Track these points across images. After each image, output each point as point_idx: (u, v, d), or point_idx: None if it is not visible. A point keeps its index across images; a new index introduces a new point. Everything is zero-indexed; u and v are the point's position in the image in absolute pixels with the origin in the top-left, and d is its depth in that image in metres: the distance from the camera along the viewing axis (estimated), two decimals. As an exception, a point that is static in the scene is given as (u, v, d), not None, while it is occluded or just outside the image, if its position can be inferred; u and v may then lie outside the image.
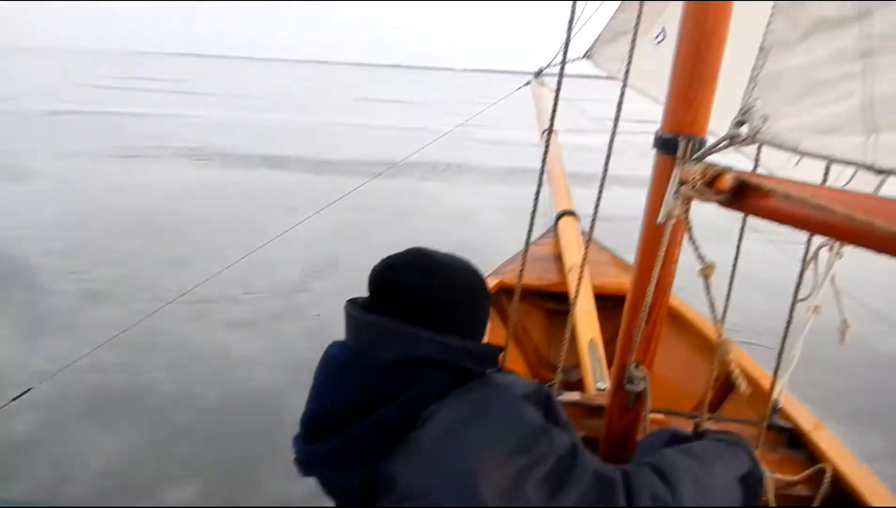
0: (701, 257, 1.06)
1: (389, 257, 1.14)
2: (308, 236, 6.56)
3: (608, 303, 2.50)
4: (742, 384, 1.01)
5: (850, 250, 1.56)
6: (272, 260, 5.85)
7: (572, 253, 2.79)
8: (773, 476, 1.41)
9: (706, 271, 1.05)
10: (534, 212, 1.60)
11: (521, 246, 1.84)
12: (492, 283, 2.78)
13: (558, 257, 3.06)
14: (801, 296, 1.58)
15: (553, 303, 2.99)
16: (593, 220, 1.78)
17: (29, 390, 2.20)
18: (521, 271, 1.63)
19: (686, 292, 2.08)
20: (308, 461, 1.08)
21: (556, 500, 0.98)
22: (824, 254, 1.55)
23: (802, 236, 1.33)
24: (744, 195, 0.99)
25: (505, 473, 0.97)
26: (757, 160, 1.31)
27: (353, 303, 1.13)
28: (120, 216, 8.24)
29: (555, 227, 3.26)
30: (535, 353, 2.94)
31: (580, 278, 1.80)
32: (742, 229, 1.59)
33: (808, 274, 1.60)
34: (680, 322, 2.65)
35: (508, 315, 2.96)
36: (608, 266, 3.02)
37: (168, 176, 11.39)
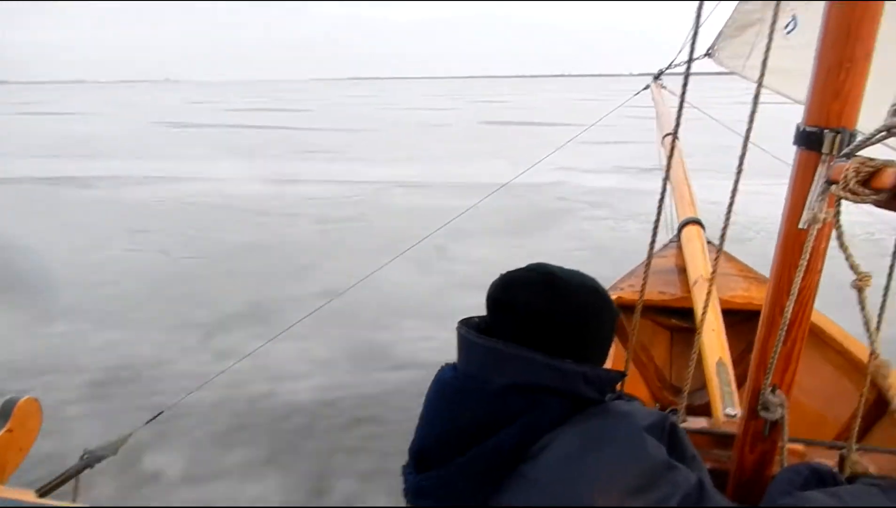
0: (854, 267, 0.90)
1: (509, 273, 1.08)
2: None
3: (737, 318, 2.28)
4: None
5: None
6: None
7: (697, 265, 2.58)
8: None
9: (861, 282, 0.89)
10: (657, 221, 1.45)
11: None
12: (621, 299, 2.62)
13: (682, 270, 2.84)
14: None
15: (677, 319, 2.79)
16: (724, 229, 1.61)
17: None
18: (644, 285, 1.49)
19: (824, 303, 1.84)
20: (418, 491, 1.02)
21: None
22: None
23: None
24: None
25: None
26: None
27: (466, 324, 1.07)
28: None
29: (678, 236, 3.05)
30: (658, 374, 2.74)
31: (708, 293, 1.63)
32: None
33: None
34: (820, 338, 2.37)
35: (629, 335, 2.80)
36: (736, 278, 2.77)
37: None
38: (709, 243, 2.97)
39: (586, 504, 0.88)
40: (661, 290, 2.80)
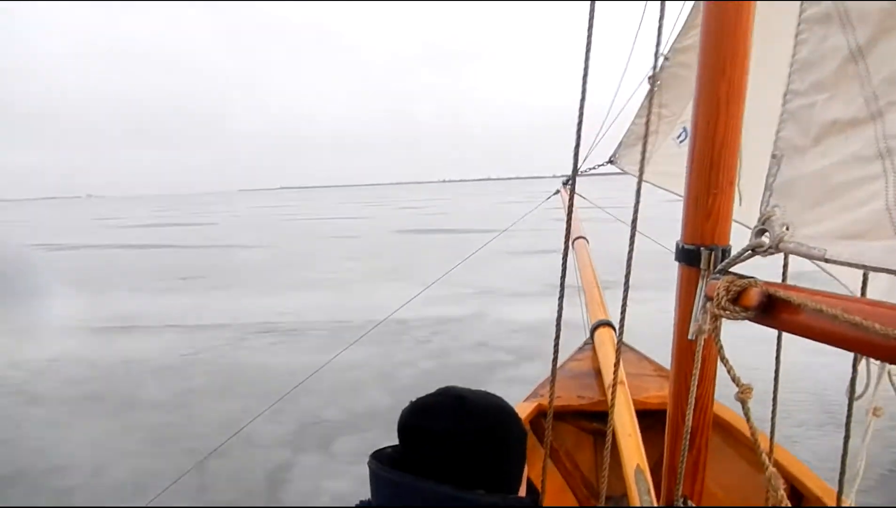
0: (736, 380, 0.98)
1: (419, 400, 1.10)
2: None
3: (654, 419, 2.35)
4: None
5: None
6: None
7: (610, 367, 2.66)
8: None
9: (743, 395, 0.97)
10: (558, 326, 1.52)
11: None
12: (529, 408, 2.65)
13: (598, 372, 2.92)
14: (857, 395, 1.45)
15: (598, 423, 2.83)
16: (621, 330, 1.70)
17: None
18: (552, 393, 1.53)
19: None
20: None
21: None
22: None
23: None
24: (774, 310, 0.93)
25: None
26: (785, 269, 1.25)
27: (377, 456, 1.07)
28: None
29: (591, 339, 3.15)
30: (584, 481, 2.75)
31: (614, 395, 1.69)
32: (779, 344, 1.50)
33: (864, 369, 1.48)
34: (733, 435, 2.47)
35: (544, 440, 2.81)
36: (651, 378, 2.86)
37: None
38: (623, 344, 3.08)
39: None
40: (579, 394, 2.85)
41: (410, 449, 1.05)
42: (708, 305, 1.04)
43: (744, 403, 0.97)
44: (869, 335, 0.72)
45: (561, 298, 1.51)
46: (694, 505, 1.24)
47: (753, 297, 0.93)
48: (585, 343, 3.32)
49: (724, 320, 1.23)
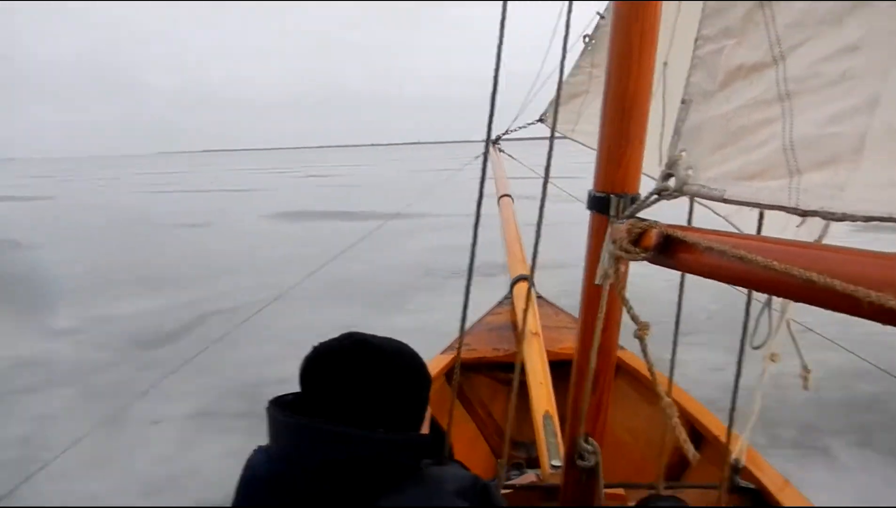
0: (635, 318, 0.99)
1: (321, 345, 1.07)
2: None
3: (567, 369, 2.40)
4: (689, 452, 0.92)
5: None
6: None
7: (527, 320, 2.70)
8: None
9: (641, 332, 0.98)
10: (469, 279, 1.50)
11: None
12: (445, 360, 2.66)
13: (515, 326, 2.95)
14: (756, 344, 1.52)
15: (513, 375, 2.84)
16: (530, 279, 1.69)
17: None
18: (459, 346, 1.53)
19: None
20: None
21: None
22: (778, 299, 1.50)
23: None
24: (671, 250, 0.94)
25: None
26: (690, 212, 1.27)
27: (276, 403, 1.05)
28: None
29: (511, 293, 3.16)
30: (497, 430, 2.81)
31: (519, 346, 1.72)
32: (681, 286, 1.53)
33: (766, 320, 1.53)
34: (641, 382, 2.55)
35: (464, 392, 2.85)
36: (566, 330, 2.91)
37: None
38: (539, 297, 3.13)
39: None
40: (495, 346, 2.90)
41: (311, 394, 1.03)
42: (610, 247, 1.04)
43: (641, 340, 0.98)
44: (754, 268, 0.73)
45: (474, 244, 1.49)
46: (594, 442, 1.27)
47: (652, 237, 0.94)
48: (505, 298, 3.36)
49: (633, 267, 1.25)
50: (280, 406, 1.03)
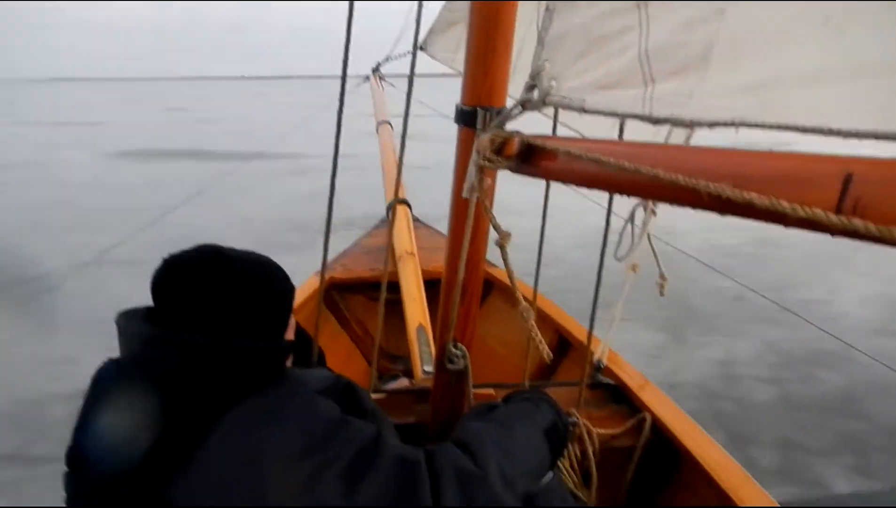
0: (497, 228, 1.00)
1: (173, 256, 1.02)
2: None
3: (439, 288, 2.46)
4: (543, 350, 0.96)
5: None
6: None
7: (403, 241, 2.72)
8: (581, 420, 1.44)
9: (502, 240, 0.99)
10: (331, 198, 1.46)
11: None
12: (318, 280, 2.67)
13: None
14: (620, 255, 1.60)
15: (389, 294, 2.90)
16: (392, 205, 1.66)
17: None
18: (324, 264, 1.52)
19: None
20: (80, 496, 0.93)
21: (356, 490, 0.92)
22: (640, 212, 1.58)
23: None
24: (533, 159, 0.94)
25: (297, 476, 0.90)
26: (555, 123, 1.29)
27: (126, 315, 1.00)
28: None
29: (388, 217, 3.18)
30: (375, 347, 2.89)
31: (390, 260, 1.73)
32: (546, 193, 1.58)
33: (628, 231, 1.62)
34: (513, 296, 2.65)
35: (341, 311, 2.87)
36: (440, 251, 2.97)
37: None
38: (415, 220, 3.15)
39: (256, 477, 0.88)
40: (371, 267, 2.95)
41: (164, 307, 0.99)
42: (475, 158, 1.03)
43: (502, 248, 1.00)
44: (607, 170, 0.74)
45: (335, 164, 1.44)
46: (463, 347, 1.31)
47: (514, 146, 0.93)
48: (381, 221, 3.36)
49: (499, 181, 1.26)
50: (131, 317, 0.99)
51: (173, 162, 14.76)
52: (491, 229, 1.22)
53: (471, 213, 1.20)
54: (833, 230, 0.50)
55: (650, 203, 1.61)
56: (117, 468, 0.89)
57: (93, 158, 15.89)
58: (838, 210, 0.50)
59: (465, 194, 1.22)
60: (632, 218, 1.61)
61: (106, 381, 0.98)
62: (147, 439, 0.89)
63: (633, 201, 1.57)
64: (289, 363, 1.10)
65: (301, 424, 0.93)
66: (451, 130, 1.25)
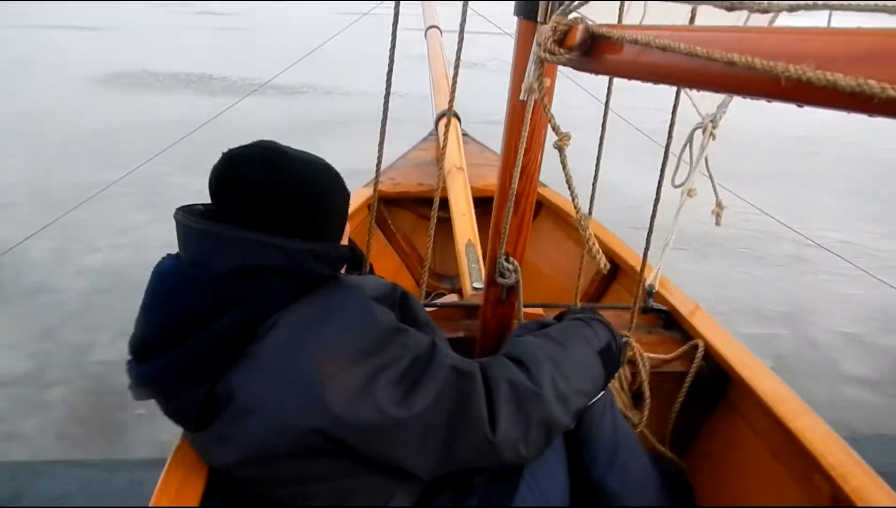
0: (556, 129, 0.95)
1: (232, 151, 1.02)
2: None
3: (489, 205, 2.41)
4: (601, 261, 0.93)
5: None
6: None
7: (451, 156, 2.60)
8: (632, 340, 1.42)
9: (561, 142, 0.95)
10: (385, 110, 1.39)
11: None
12: (367, 193, 2.63)
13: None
14: (677, 182, 1.53)
15: (438, 210, 2.82)
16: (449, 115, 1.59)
17: None
18: (376, 180, 1.48)
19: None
20: (143, 382, 0.96)
21: (411, 398, 0.93)
22: (698, 136, 1.50)
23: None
24: (596, 51, 0.88)
25: (354, 377, 0.90)
26: (620, 13, 1.20)
27: (185, 210, 1.01)
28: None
29: (436, 129, 3.05)
30: (421, 262, 2.85)
31: (441, 181, 1.68)
32: (609, 91, 1.50)
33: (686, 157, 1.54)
34: (563, 219, 2.60)
35: (388, 226, 2.84)
36: (490, 168, 2.86)
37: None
38: (464, 134, 3.06)
39: (313, 373, 0.89)
40: (419, 182, 2.87)
41: (222, 202, 1.00)
42: (536, 49, 0.97)
43: (560, 150, 0.95)
44: (677, 59, 0.68)
45: (389, 72, 1.37)
46: (515, 261, 1.28)
47: (577, 34, 0.87)
48: (430, 134, 3.26)
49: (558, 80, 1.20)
50: (190, 213, 1.00)
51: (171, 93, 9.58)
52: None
53: (528, 116, 1.15)
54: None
55: (709, 126, 1.52)
56: (173, 360, 0.92)
57: (75, 80, 10.32)
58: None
59: (522, 96, 1.17)
60: (690, 141, 1.53)
61: (165, 275, 0.99)
62: (202, 334, 0.91)
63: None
64: (342, 271, 1.10)
65: (357, 327, 0.93)
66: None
